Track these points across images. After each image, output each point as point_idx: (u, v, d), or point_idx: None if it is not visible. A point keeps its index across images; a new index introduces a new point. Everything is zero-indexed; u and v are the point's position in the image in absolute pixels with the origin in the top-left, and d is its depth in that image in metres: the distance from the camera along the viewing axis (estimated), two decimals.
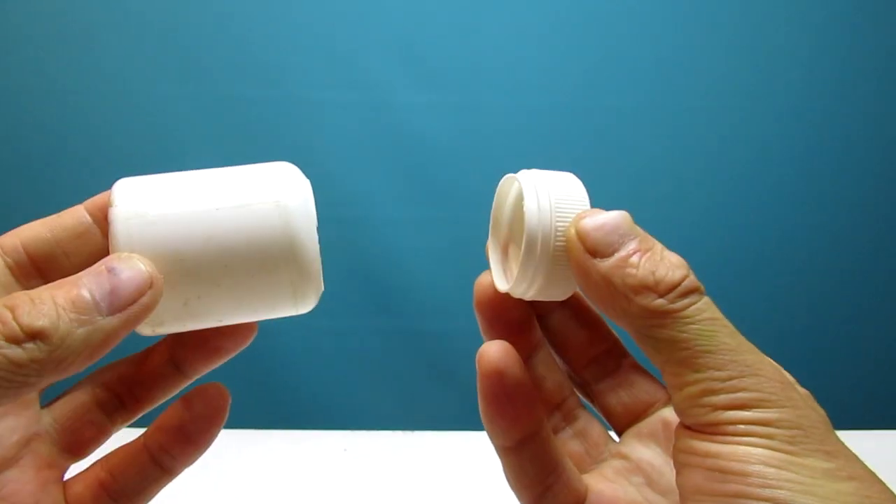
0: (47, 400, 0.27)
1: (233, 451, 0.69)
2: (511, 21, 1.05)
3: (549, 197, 0.26)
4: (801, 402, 0.21)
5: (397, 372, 1.07)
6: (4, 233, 0.26)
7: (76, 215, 0.27)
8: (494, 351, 0.27)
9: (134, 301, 0.22)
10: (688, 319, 0.22)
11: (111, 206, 0.24)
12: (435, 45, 1.04)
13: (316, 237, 0.25)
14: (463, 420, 1.08)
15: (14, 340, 0.20)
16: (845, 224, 1.10)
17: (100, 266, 0.22)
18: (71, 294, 0.21)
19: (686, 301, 0.22)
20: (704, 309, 0.22)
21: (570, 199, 0.26)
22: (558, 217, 0.25)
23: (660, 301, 0.22)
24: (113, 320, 0.22)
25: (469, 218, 1.06)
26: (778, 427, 0.20)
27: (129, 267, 0.22)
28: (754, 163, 1.09)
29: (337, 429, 0.77)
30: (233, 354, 0.28)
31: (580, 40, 1.06)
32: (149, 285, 0.22)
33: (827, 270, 1.10)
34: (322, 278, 0.26)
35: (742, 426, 0.20)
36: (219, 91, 1.02)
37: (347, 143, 1.04)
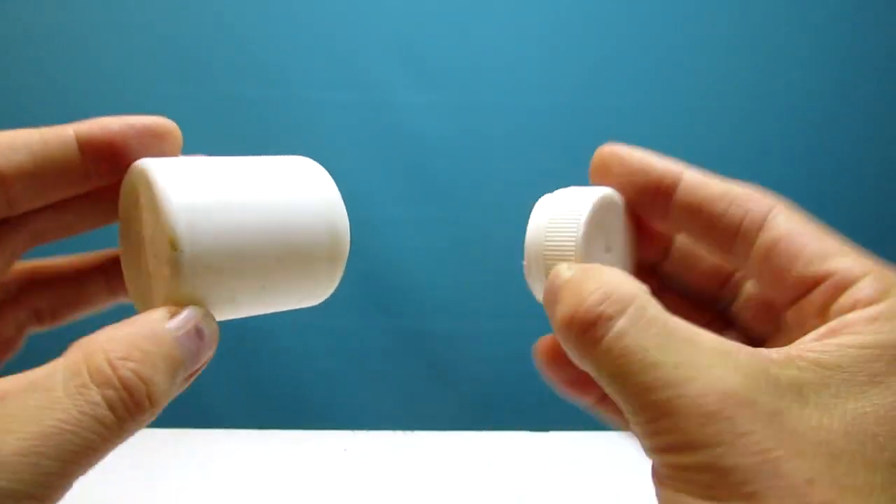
0: None
1: (233, 451, 0.69)
2: (511, 21, 1.05)
3: (547, 216, 0.26)
4: (727, 436, 0.18)
5: (397, 372, 1.07)
6: None
7: (65, 144, 0.25)
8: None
9: (203, 365, 0.21)
10: (602, 357, 0.20)
11: (176, 250, 0.22)
12: (435, 45, 1.04)
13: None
14: (463, 420, 1.09)
15: (139, 412, 0.19)
16: (845, 224, 1.10)
17: (189, 323, 0.21)
18: (171, 358, 0.20)
19: (593, 333, 0.20)
20: (615, 340, 0.20)
21: (562, 222, 0.26)
22: (548, 237, 0.26)
23: (574, 338, 0.21)
24: (185, 383, 0.21)
25: (469, 218, 1.07)
26: (695, 472, 0.18)
27: (209, 328, 0.22)
28: (754, 163, 1.09)
29: (337, 429, 0.77)
30: None
31: (580, 40, 1.06)
32: (215, 346, 0.22)
33: None
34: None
35: (667, 471, 0.19)
36: (219, 91, 1.02)
37: (347, 143, 1.04)
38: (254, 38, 1.02)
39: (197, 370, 0.21)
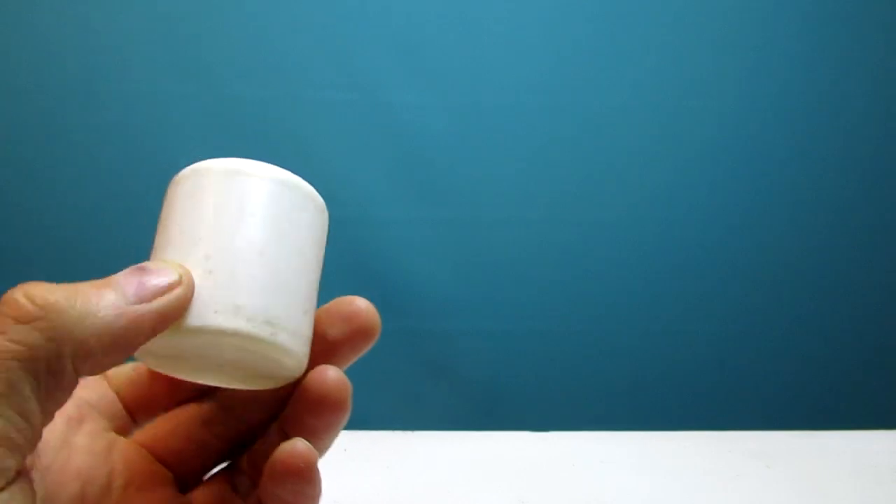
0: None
1: None
2: (510, 21, 1.05)
3: None
4: None
5: (397, 372, 1.07)
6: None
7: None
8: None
9: (163, 292, 0.22)
10: None
11: None
12: (435, 44, 1.04)
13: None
14: (463, 420, 1.09)
15: (26, 319, 0.19)
16: (840, 222, 1.10)
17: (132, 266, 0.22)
18: (98, 286, 0.21)
19: None
20: None
21: None
22: None
23: None
24: (142, 308, 0.21)
25: (469, 218, 1.07)
26: None
27: (157, 264, 0.22)
28: (756, 163, 1.09)
29: None
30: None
31: (580, 40, 1.06)
32: (178, 278, 0.22)
33: (829, 268, 1.10)
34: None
35: None
36: (219, 91, 1.02)
37: (347, 143, 1.04)
38: (254, 38, 1.02)
39: (155, 291, 0.22)
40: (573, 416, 1.07)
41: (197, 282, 0.23)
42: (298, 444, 0.24)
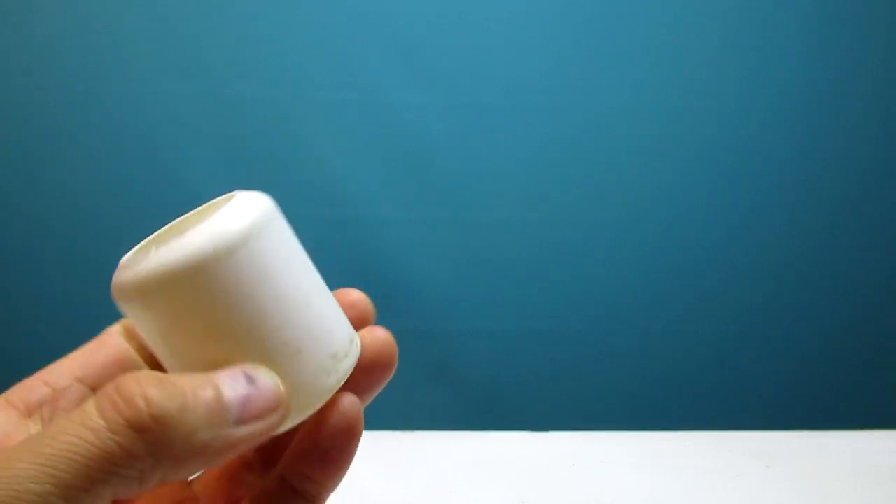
0: None
1: None
2: (510, 22, 1.05)
3: None
4: None
5: (397, 372, 1.07)
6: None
7: (114, 348, 0.25)
8: None
9: (264, 417, 0.21)
10: None
11: None
12: (435, 45, 1.04)
13: None
14: (463, 420, 1.08)
15: (138, 427, 0.18)
16: (836, 221, 1.10)
17: (237, 369, 0.21)
18: (206, 389, 0.20)
19: None
20: None
21: None
22: None
23: None
24: (239, 431, 0.20)
25: (469, 218, 1.07)
26: None
27: (265, 378, 0.21)
28: (756, 163, 1.09)
29: None
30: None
31: (580, 40, 1.06)
32: (280, 403, 0.21)
33: (829, 268, 1.10)
34: None
35: None
36: (219, 91, 1.02)
37: (347, 143, 1.04)
38: (254, 38, 1.02)
39: (258, 414, 0.21)
40: (573, 416, 1.07)
41: (292, 366, 0.22)
42: (348, 397, 0.24)
